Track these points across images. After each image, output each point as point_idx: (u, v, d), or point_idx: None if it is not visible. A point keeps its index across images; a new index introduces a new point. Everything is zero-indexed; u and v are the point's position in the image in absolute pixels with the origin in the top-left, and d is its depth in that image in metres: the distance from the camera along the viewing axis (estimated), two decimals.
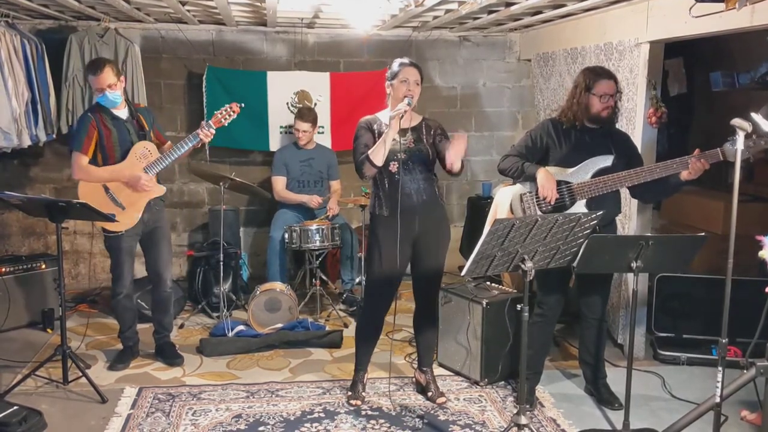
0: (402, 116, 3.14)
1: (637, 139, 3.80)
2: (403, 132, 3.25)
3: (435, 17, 4.96)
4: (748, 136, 2.63)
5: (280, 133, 5.57)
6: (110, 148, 3.72)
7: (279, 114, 5.54)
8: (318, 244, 4.71)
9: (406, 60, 3.33)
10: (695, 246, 3.05)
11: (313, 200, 5.01)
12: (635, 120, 3.95)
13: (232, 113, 3.78)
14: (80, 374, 3.59)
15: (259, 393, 3.64)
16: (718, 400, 2.61)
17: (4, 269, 4.50)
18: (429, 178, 3.34)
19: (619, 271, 3.76)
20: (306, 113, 5.11)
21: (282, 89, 5.53)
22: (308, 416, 3.37)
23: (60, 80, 5.00)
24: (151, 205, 3.82)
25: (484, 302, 3.68)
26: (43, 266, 4.70)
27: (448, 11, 4.62)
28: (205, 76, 5.39)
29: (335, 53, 5.76)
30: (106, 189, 3.73)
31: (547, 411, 3.46)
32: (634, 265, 2.92)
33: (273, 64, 5.68)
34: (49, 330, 4.54)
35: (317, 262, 4.82)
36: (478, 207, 5.43)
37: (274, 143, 5.55)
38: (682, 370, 4.01)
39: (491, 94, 6.04)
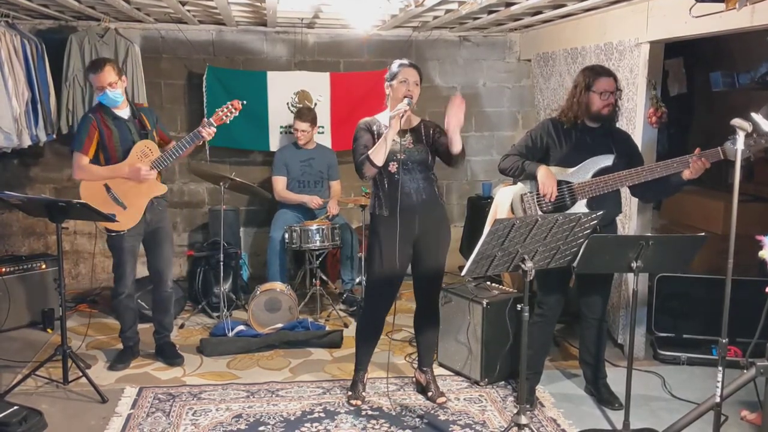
0: (403, 116, 3.14)
1: (637, 139, 3.80)
2: (402, 133, 3.25)
3: (435, 17, 4.96)
4: (748, 136, 2.64)
5: (281, 133, 5.58)
6: (112, 148, 3.73)
7: (279, 114, 5.54)
8: (318, 244, 4.72)
9: (405, 61, 3.34)
10: (695, 246, 3.05)
11: (313, 201, 5.01)
12: (635, 120, 3.95)
13: (233, 110, 3.77)
14: (80, 374, 3.59)
15: (260, 393, 3.64)
16: (718, 400, 2.61)
17: (4, 269, 4.50)
18: (428, 177, 3.35)
19: (619, 271, 3.76)
20: (305, 113, 5.11)
21: (282, 89, 5.53)
22: (308, 416, 3.37)
23: (60, 80, 5.01)
24: (154, 205, 3.83)
25: (485, 302, 3.68)
26: (44, 266, 4.70)
27: (448, 11, 4.62)
28: (205, 76, 5.39)
29: (335, 53, 5.76)
30: (108, 188, 3.73)
31: (548, 411, 3.46)
32: (634, 265, 2.92)
33: (273, 64, 5.68)
34: (49, 330, 4.54)
35: (317, 262, 4.82)
36: (478, 207, 5.43)
37: (274, 143, 5.55)
38: (682, 370, 4.01)
39: (491, 94, 6.04)
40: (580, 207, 3.26)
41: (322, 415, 3.38)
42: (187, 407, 3.46)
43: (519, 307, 2.85)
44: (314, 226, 4.72)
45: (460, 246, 5.64)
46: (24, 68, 4.63)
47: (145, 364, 4.02)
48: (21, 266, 4.60)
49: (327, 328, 4.53)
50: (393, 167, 3.26)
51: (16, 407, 3.17)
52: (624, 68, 4.01)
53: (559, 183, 3.29)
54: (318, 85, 5.57)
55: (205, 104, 5.38)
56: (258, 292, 4.56)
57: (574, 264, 2.93)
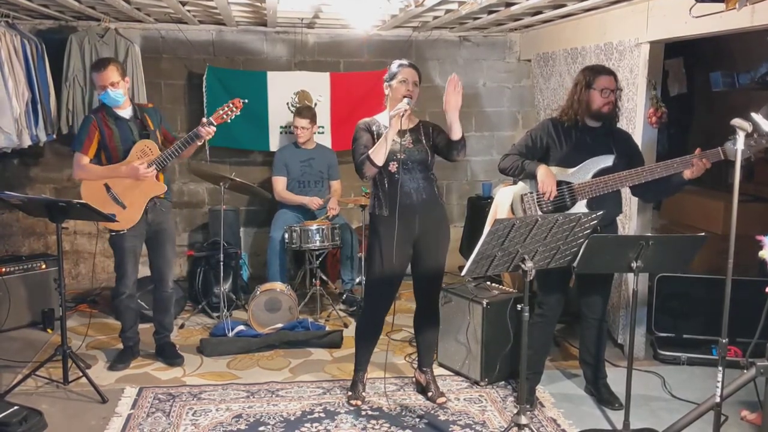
0: (403, 115, 3.14)
1: (638, 139, 3.80)
2: (401, 133, 3.26)
3: (435, 17, 4.96)
4: (748, 136, 2.64)
5: (281, 133, 5.58)
6: (113, 148, 3.74)
7: (279, 114, 5.54)
8: (318, 244, 4.72)
9: (404, 61, 3.35)
10: (695, 246, 3.05)
11: (313, 202, 5.01)
12: (635, 120, 3.95)
13: (234, 109, 3.75)
14: (80, 374, 3.60)
15: (260, 393, 3.64)
16: (718, 400, 2.61)
17: (4, 269, 4.50)
18: (428, 177, 3.35)
19: (619, 271, 3.76)
20: (304, 110, 5.12)
21: (282, 89, 5.53)
22: (308, 416, 3.37)
23: (60, 80, 5.01)
24: (157, 206, 3.83)
25: (485, 302, 3.68)
26: (44, 266, 4.70)
27: (448, 11, 4.62)
28: (205, 76, 5.39)
29: (335, 53, 5.76)
30: (108, 188, 3.75)
31: (548, 411, 3.46)
32: (634, 265, 2.92)
33: (273, 64, 5.68)
34: (49, 330, 4.54)
35: (317, 262, 4.82)
36: (478, 207, 5.43)
37: (274, 143, 5.55)
38: (682, 370, 4.01)
39: (491, 94, 6.04)
40: (581, 207, 3.26)
41: (322, 415, 3.38)
42: (187, 407, 3.46)
43: (519, 307, 2.85)
44: (314, 226, 4.72)
45: (460, 246, 5.64)
46: (24, 68, 4.63)
47: (145, 364, 4.02)
48: (21, 266, 4.60)
49: (327, 328, 4.53)
50: (393, 167, 3.26)
51: (16, 407, 3.17)
52: (624, 68, 4.01)
53: (560, 183, 3.29)
54: (318, 85, 5.57)
55: (205, 104, 5.38)
56: (258, 292, 4.56)
57: (574, 264, 2.93)
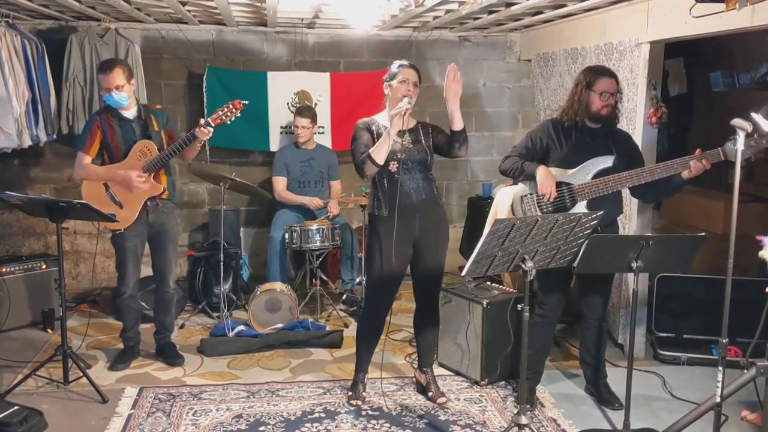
0: (404, 114, 3.15)
1: (637, 139, 3.80)
2: (401, 133, 3.26)
3: (435, 17, 4.96)
4: (748, 137, 2.63)
5: (281, 133, 5.58)
6: (115, 148, 3.77)
7: (279, 114, 5.55)
8: (318, 244, 4.72)
9: (405, 62, 3.36)
10: (695, 246, 3.05)
11: (313, 202, 5.01)
12: (635, 120, 3.95)
13: (234, 111, 3.71)
14: (81, 374, 3.60)
15: (260, 393, 3.64)
16: (718, 400, 2.61)
17: (4, 269, 4.50)
18: (427, 177, 3.35)
19: (619, 271, 3.76)
20: (305, 110, 5.12)
21: (282, 89, 5.53)
22: (309, 416, 3.37)
23: (60, 80, 5.01)
24: (159, 207, 3.84)
25: (485, 302, 3.69)
26: (44, 266, 4.70)
27: (448, 11, 4.62)
28: (205, 77, 5.39)
29: (335, 53, 5.76)
30: (107, 187, 3.78)
31: (548, 411, 3.47)
32: (634, 265, 2.92)
33: (273, 64, 5.68)
34: (49, 330, 4.54)
35: (317, 262, 4.82)
36: (478, 207, 5.43)
37: (275, 143, 5.55)
38: (682, 370, 4.01)
39: (491, 94, 6.05)
40: (581, 208, 3.25)
41: (323, 415, 3.39)
42: (188, 407, 3.47)
43: (519, 307, 2.85)
44: (314, 226, 4.72)
45: (460, 246, 5.64)
46: (24, 68, 4.63)
47: (146, 365, 4.02)
48: (21, 266, 4.60)
49: (327, 328, 4.53)
50: (393, 167, 3.26)
51: (16, 407, 3.18)
52: (624, 68, 4.01)
53: (559, 184, 3.29)
54: (318, 85, 5.57)
55: (205, 104, 5.38)
56: (258, 292, 4.56)
57: (575, 264, 2.93)
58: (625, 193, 3.57)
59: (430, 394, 3.57)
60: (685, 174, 3.12)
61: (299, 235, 4.69)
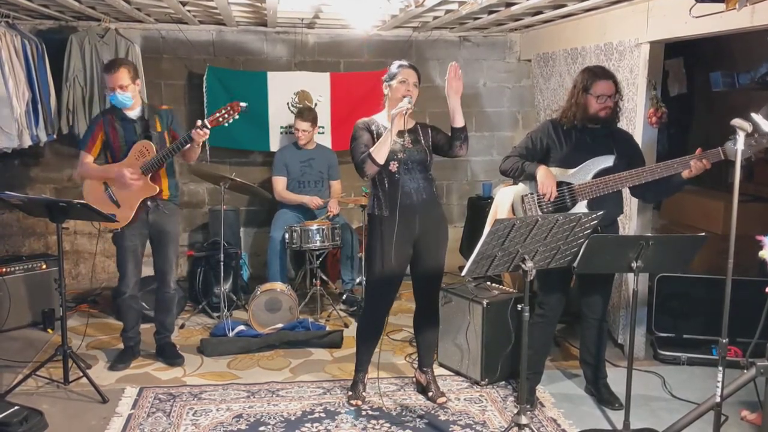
0: (406, 113, 3.15)
1: (638, 139, 3.79)
2: (400, 134, 3.27)
3: (435, 17, 4.96)
4: (748, 137, 2.64)
5: (281, 133, 5.58)
6: (117, 148, 3.79)
7: (279, 114, 5.55)
8: (318, 244, 4.72)
9: (404, 62, 3.36)
10: (695, 246, 3.05)
11: (313, 201, 5.01)
12: (635, 120, 3.95)
13: (231, 113, 3.67)
14: (81, 374, 3.60)
15: (260, 393, 3.64)
16: (718, 400, 2.61)
17: (4, 269, 4.51)
18: (427, 177, 3.36)
19: (619, 271, 3.76)
20: (306, 112, 5.11)
21: (282, 89, 5.53)
22: (309, 416, 3.37)
23: (60, 80, 5.01)
24: (159, 207, 3.84)
25: (485, 302, 3.69)
26: (44, 266, 4.70)
27: (448, 11, 4.62)
28: (205, 77, 5.39)
29: (335, 53, 5.76)
30: (106, 186, 3.80)
31: (548, 411, 3.47)
32: (634, 265, 2.92)
33: (273, 64, 5.68)
34: (49, 330, 4.54)
35: (317, 262, 4.82)
36: (478, 207, 5.43)
37: (275, 143, 5.55)
38: (682, 370, 4.01)
39: (491, 94, 6.05)
40: (581, 208, 3.26)
41: (323, 415, 3.39)
42: (188, 407, 3.47)
43: (519, 307, 2.85)
44: (314, 226, 4.72)
45: (460, 246, 5.64)
46: (24, 68, 4.63)
47: (146, 365, 4.02)
48: (21, 266, 4.60)
49: (327, 328, 4.53)
50: (393, 167, 3.26)
51: (16, 407, 3.18)
52: (624, 68, 4.02)
53: (560, 184, 3.29)
54: (318, 86, 5.57)
55: (205, 104, 5.38)
56: (258, 292, 4.56)
57: (575, 264, 2.93)
58: (626, 193, 3.57)
59: (430, 394, 3.57)
60: (686, 174, 3.12)
61: (299, 235, 4.69)
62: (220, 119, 3.67)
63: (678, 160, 3.11)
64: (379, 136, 3.27)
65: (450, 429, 3.27)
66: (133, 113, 3.79)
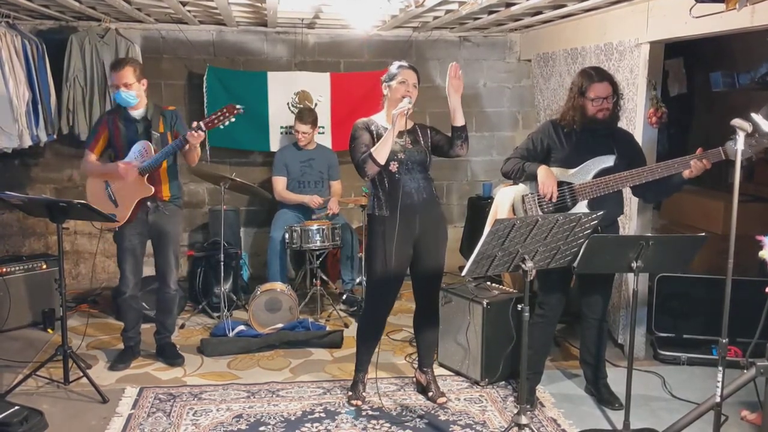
0: (407, 113, 3.15)
1: (638, 139, 3.79)
2: (399, 134, 3.27)
3: (435, 17, 4.96)
4: (748, 137, 2.64)
5: (281, 133, 5.58)
6: (119, 147, 3.81)
7: (279, 114, 5.55)
8: (318, 244, 4.72)
9: (404, 63, 3.37)
10: (695, 246, 3.05)
11: (313, 200, 5.01)
12: (635, 120, 3.95)
13: (228, 115, 3.67)
14: (81, 374, 3.60)
15: (260, 393, 3.64)
16: (718, 400, 2.61)
17: (5, 269, 4.51)
18: (427, 177, 3.36)
19: (619, 271, 3.76)
20: (306, 114, 5.11)
21: (282, 89, 5.53)
22: (309, 416, 3.37)
23: (61, 80, 5.01)
24: (159, 208, 3.84)
25: (485, 302, 3.69)
26: (44, 266, 4.70)
27: (448, 12, 4.62)
28: (205, 77, 5.39)
29: (335, 53, 5.76)
30: (107, 185, 3.82)
31: (548, 411, 3.47)
32: (634, 265, 2.92)
33: (273, 64, 5.68)
34: (50, 330, 4.54)
35: (318, 262, 4.83)
36: (478, 207, 5.43)
37: (275, 144, 5.55)
38: (682, 370, 4.01)
39: (491, 94, 6.05)
40: (581, 208, 3.26)
41: (323, 415, 3.39)
42: (188, 407, 3.47)
43: (519, 307, 2.85)
44: (314, 226, 4.72)
45: (460, 246, 5.64)
46: (25, 68, 4.63)
47: (146, 365, 4.02)
48: (22, 266, 4.61)
49: (327, 329, 4.53)
50: (394, 167, 3.27)
51: (17, 407, 3.18)
52: (624, 68, 4.02)
53: (560, 184, 3.29)
54: (318, 86, 5.58)
55: (205, 104, 5.38)
56: (258, 292, 4.56)
57: (575, 264, 2.93)
58: (626, 193, 3.57)
59: (430, 394, 3.57)
60: (686, 173, 3.11)
61: (299, 235, 4.69)
62: (216, 121, 3.68)
63: (678, 160, 3.11)
64: (378, 136, 3.27)
65: (450, 429, 3.27)
66: (137, 113, 3.80)
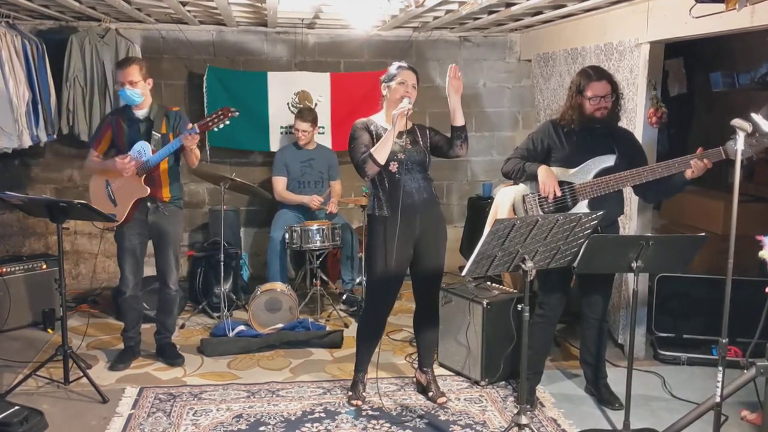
0: (407, 113, 3.15)
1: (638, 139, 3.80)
2: (399, 135, 3.27)
3: (435, 18, 4.96)
4: (748, 137, 2.64)
5: (281, 133, 5.58)
6: (121, 145, 3.82)
7: (279, 114, 5.55)
8: (318, 244, 4.72)
9: (404, 63, 3.37)
10: (695, 246, 3.05)
11: (313, 201, 5.01)
12: (635, 120, 3.95)
13: (222, 118, 3.67)
14: (81, 374, 3.60)
15: (260, 393, 3.64)
16: (718, 400, 2.61)
17: (4, 269, 4.51)
18: (427, 177, 3.37)
19: (619, 271, 3.76)
20: (306, 113, 5.11)
21: (282, 90, 5.54)
22: (309, 416, 3.37)
23: (61, 80, 5.01)
24: (159, 209, 3.84)
25: (485, 302, 3.69)
26: (44, 266, 4.70)
27: (448, 12, 4.62)
28: (205, 77, 5.39)
29: (335, 54, 5.76)
30: (107, 184, 3.83)
31: (548, 411, 3.47)
32: (634, 265, 2.92)
33: (273, 64, 5.68)
34: (50, 330, 4.54)
35: (318, 262, 4.83)
36: (479, 207, 5.43)
37: (275, 144, 5.55)
38: (682, 370, 4.01)
39: (491, 94, 6.05)
40: (582, 208, 3.26)
41: (323, 415, 3.39)
42: (188, 407, 3.47)
43: (519, 307, 2.85)
44: (315, 226, 4.72)
45: (460, 246, 5.64)
46: (25, 68, 4.63)
47: (146, 365, 4.02)
48: (22, 266, 4.61)
49: (327, 329, 4.53)
50: (394, 167, 3.27)
51: (17, 407, 3.18)
52: (624, 68, 4.02)
53: (561, 184, 3.29)
54: (318, 86, 5.58)
55: (205, 104, 5.39)
56: (258, 292, 4.56)
57: (575, 264, 2.93)
58: (626, 193, 3.57)
59: (430, 394, 3.57)
60: (688, 174, 3.11)
61: (299, 235, 4.69)
62: (210, 124, 3.70)
63: (678, 160, 3.10)
64: (378, 136, 3.27)
65: (450, 429, 3.27)
66: (141, 113, 3.81)
